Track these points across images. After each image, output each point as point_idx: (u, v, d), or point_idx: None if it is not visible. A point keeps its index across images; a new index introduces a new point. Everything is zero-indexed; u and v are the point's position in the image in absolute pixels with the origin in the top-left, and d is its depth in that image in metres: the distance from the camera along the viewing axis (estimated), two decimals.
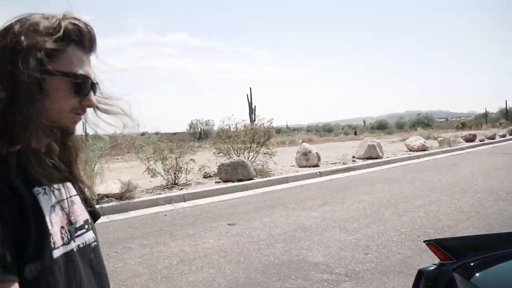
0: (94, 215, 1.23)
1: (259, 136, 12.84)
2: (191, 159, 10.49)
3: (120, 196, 8.21)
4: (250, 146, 12.81)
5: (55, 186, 1.03)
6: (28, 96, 0.92)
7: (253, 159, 12.51)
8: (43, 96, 0.95)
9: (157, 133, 9.72)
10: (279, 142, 29.86)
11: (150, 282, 4.19)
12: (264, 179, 10.99)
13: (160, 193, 9.09)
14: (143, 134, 9.76)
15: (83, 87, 1.02)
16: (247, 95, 30.17)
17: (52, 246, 0.94)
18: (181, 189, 9.66)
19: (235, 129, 14.35)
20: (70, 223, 1.03)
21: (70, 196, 1.08)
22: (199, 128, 43.28)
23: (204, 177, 11.65)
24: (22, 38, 0.93)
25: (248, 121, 16.09)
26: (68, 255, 0.98)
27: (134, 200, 8.26)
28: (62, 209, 1.03)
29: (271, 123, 14.76)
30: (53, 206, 0.99)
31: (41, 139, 1.02)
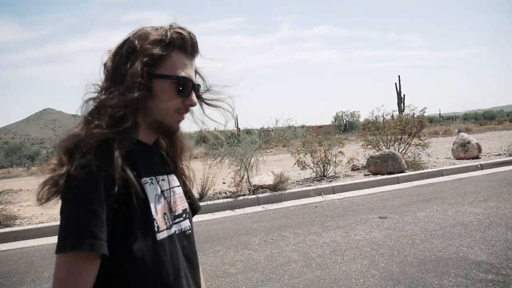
0: (194, 208, 1.34)
1: (411, 127, 12.22)
2: (339, 152, 10.56)
3: (273, 187, 8.75)
4: (401, 138, 12.28)
5: (160, 177, 1.16)
6: (132, 92, 1.04)
7: (404, 151, 11.99)
8: (151, 97, 1.08)
9: (302, 126, 9.97)
10: (432, 132, 27.83)
11: (305, 268, 4.45)
12: (417, 172, 10.45)
13: (310, 185, 9.39)
14: (290, 127, 10.13)
15: (185, 88, 1.12)
16: (395, 83, 28.67)
17: (156, 229, 1.07)
18: (330, 181, 9.82)
19: (383, 120, 13.92)
20: (170, 210, 1.15)
21: (173, 187, 1.20)
22: (344, 120, 42.78)
23: (353, 169, 11.61)
24: (135, 45, 1.08)
25: (397, 112, 15.39)
26: (171, 238, 1.12)
27: (286, 191, 8.71)
28: (165, 198, 1.15)
29: (423, 112, 13.89)
30: (157, 195, 1.12)
31: (150, 135, 1.17)
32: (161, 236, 1.08)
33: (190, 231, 1.23)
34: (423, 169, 10.85)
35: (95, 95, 1.08)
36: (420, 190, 8.69)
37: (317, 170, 10.46)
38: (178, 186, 1.24)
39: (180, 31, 1.13)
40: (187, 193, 1.32)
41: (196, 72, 1.22)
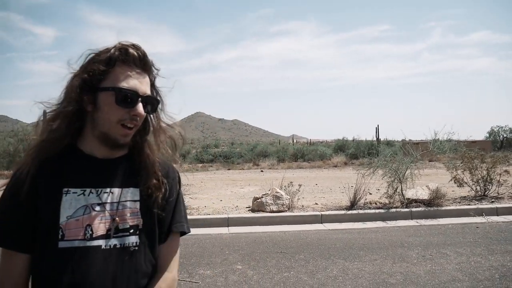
0: (170, 227, 1.30)
1: None
2: (504, 171, 9.63)
3: (428, 203, 8.43)
4: None
5: (104, 189, 1.18)
6: (70, 107, 1.15)
7: None
8: (95, 109, 1.15)
9: (449, 140, 9.28)
10: None
11: None
12: None
13: (469, 204, 8.78)
14: (437, 140, 9.50)
15: (126, 98, 1.14)
16: None
17: (60, 237, 1.11)
18: (492, 201, 9.02)
19: None
20: (113, 221, 1.16)
21: (124, 201, 1.20)
22: (501, 136, 38.09)
23: None
24: (80, 67, 1.17)
25: None
26: (82, 249, 1.12)
27: (443, 208, 8.31)
28: (105, 209, 1.17)
29: None
30: (86, 206, 1.15)
31: (101, 148, 1.20)
32: (66, 245, 1.11)
33: (136, 247, 1.19)
34: None
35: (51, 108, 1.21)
36: None
37: (476, 188, 9.70)
38: (134, 200, 1.22)
39: (125, 46, 1.17)
40: (174, 212, 1.32)
41: (154, 87, 1.26)
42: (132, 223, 1.19)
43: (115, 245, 1.16)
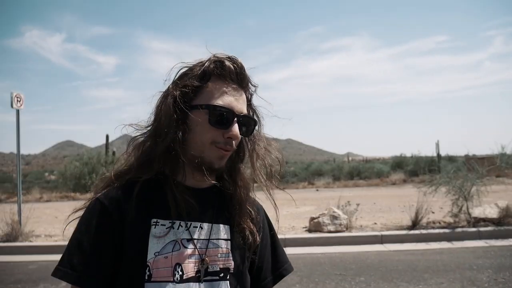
0: (262, 276, 1.14)
1: None
2: None
3: (498, 221, 7.90)
4: None
5: (194, 223, 1.02)
6: (166, 129, 1.00)
7: None
8: (186, 130, 1.01)
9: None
10: None
11: None
12: None
13: None
14: (504, 155, 8.85)
15: (222, 118, 1.00)
16: None
17: (146, 278, 0.94)
18: None
19: None
20: (202, 262, 1.00)
21: (215, 239, 1.04)
22: None
23: None
24: (172, 83, 1.05)
25: None
26: None
27: None
28: (195, 247, 1.00)
29: None
30: (175, 241, 0.98)
31: (195, 175, 1.04)
32: (153, 287, 0.94)
33: None
34: None
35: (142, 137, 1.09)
36: None
37: None
38: (225, 239, 1.06)
39: (220, 58, 1.03)
40: (275, 254, 1.19)
41: (251, 106, 1.11)
42: (223, 266, 1.03)
43: None
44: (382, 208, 11.82)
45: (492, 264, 5.89)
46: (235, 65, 1.03)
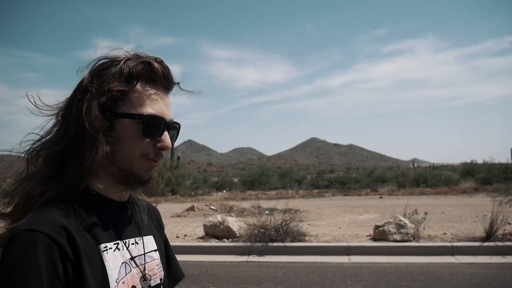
0: (176, 276, 1.13)
1: None
2: None
3: None
4: None
5: (131, 240, 0.94)
6: (90, 144, 0.85)
7: None
8: (112, 141, 0.88)
9: None
10: None
11: None
12: None
13: None
14: None
15: (153, 128, 0.90)
16: None
17: None
18: None
19: None
20: (144, 279, 0.94)
21: (149, 252, 0.99)
22: None
23: None
24: (88, 84, 0.88)
25: None
26: None
27: None
28: (137, 265, 0.93)
29: None
30: (125, 263, 0.90)
31: (119, 188, 0.94)
32: None
33: None
34: None
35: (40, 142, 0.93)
36: None
37: None
38: (155, 250, 1.02)
39: (148, 59, 0.93)
40: (169, 258, 1.14)
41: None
42: (160, 276, 1.00)
43: None
44: (452, 217, 11.21)
45: None
46: (162, 68, 0.94)
